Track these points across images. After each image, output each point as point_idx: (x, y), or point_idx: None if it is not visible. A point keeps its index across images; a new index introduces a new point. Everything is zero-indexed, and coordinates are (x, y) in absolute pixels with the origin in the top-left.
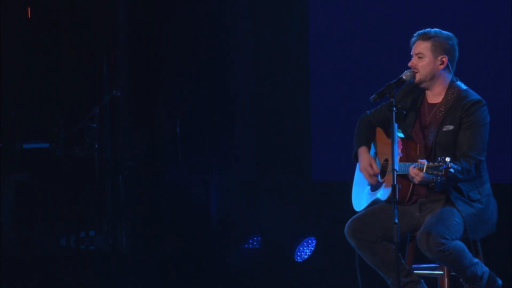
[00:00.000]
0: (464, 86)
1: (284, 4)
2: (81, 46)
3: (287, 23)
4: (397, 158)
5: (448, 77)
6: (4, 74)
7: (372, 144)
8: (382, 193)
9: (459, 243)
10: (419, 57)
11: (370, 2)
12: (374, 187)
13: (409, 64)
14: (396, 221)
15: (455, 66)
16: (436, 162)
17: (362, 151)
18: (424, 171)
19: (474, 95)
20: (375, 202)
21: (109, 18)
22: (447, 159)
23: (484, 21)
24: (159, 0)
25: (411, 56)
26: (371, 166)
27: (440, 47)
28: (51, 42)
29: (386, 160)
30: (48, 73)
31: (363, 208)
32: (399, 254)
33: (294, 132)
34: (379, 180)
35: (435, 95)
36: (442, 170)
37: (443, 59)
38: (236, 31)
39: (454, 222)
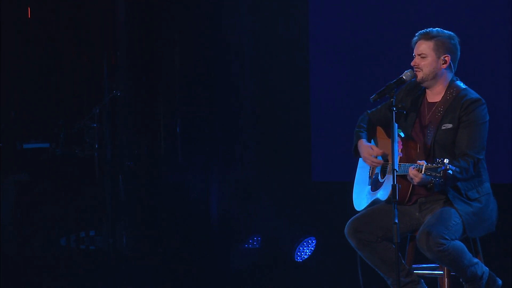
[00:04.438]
0: (463, 85)
1: (284, 4)
2: (81, 46)
3: (287, 23)
4: (397, 158)
5: (449, 76)
6: (4, 74)
7: (372, 142)
8: (382, 193)
9: (459, 243)
10: (421, 57)
11: (370, 2)
12: (375, 187)
13: (412, 63)
14: (396, 221)
15: (456, 65)
16: (434, 163)
17: (361, 143)
18: (423, 172)
19: (473, 94)
20: (375, 202)
21: (109, 18)
22: (446, 160)
23: (484, 21)
24: (159, 0)
25: (413, 56)
26: (372, 149)
27: (443, 47)
28: (51, 42)
29: (387, 160)
30: (48, 73)
31: (363, 207)
32: (399, 254)
33: (294, 132)
34: (380, 180)
35: (435, 94)
36: (440, 171)
37: (446, 58)
38: (236, 31)
39: (454, 222)
